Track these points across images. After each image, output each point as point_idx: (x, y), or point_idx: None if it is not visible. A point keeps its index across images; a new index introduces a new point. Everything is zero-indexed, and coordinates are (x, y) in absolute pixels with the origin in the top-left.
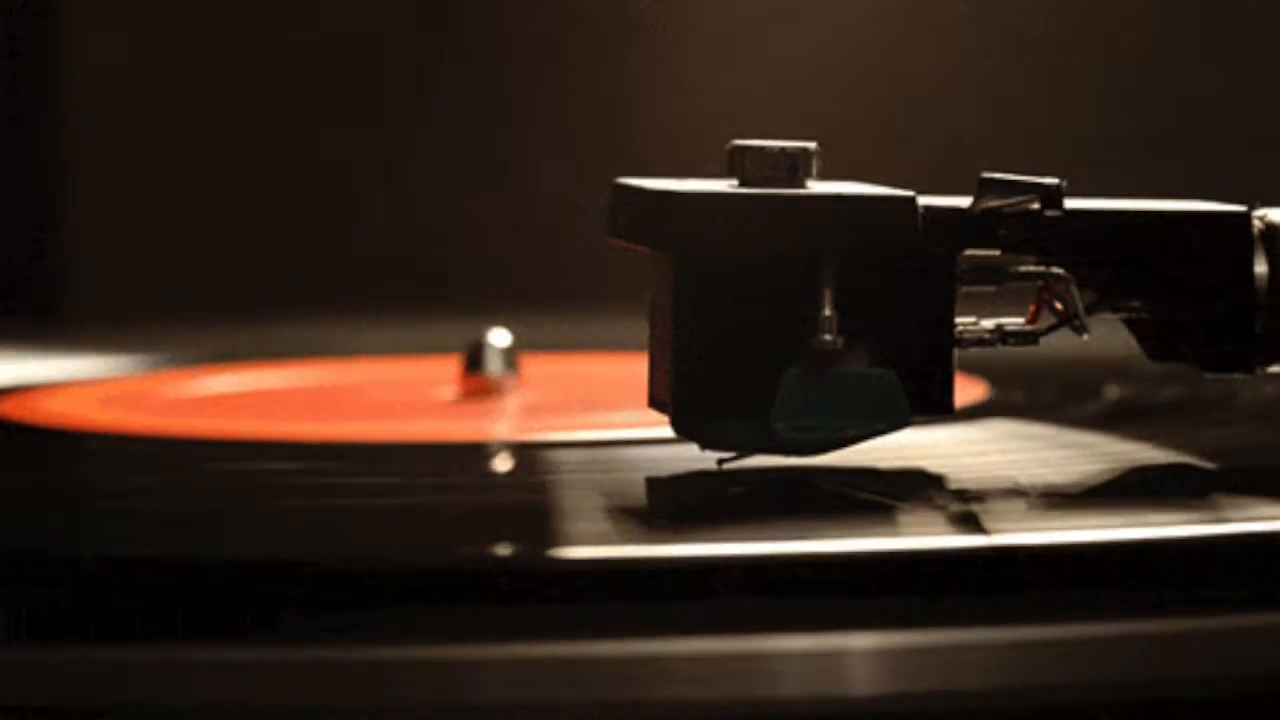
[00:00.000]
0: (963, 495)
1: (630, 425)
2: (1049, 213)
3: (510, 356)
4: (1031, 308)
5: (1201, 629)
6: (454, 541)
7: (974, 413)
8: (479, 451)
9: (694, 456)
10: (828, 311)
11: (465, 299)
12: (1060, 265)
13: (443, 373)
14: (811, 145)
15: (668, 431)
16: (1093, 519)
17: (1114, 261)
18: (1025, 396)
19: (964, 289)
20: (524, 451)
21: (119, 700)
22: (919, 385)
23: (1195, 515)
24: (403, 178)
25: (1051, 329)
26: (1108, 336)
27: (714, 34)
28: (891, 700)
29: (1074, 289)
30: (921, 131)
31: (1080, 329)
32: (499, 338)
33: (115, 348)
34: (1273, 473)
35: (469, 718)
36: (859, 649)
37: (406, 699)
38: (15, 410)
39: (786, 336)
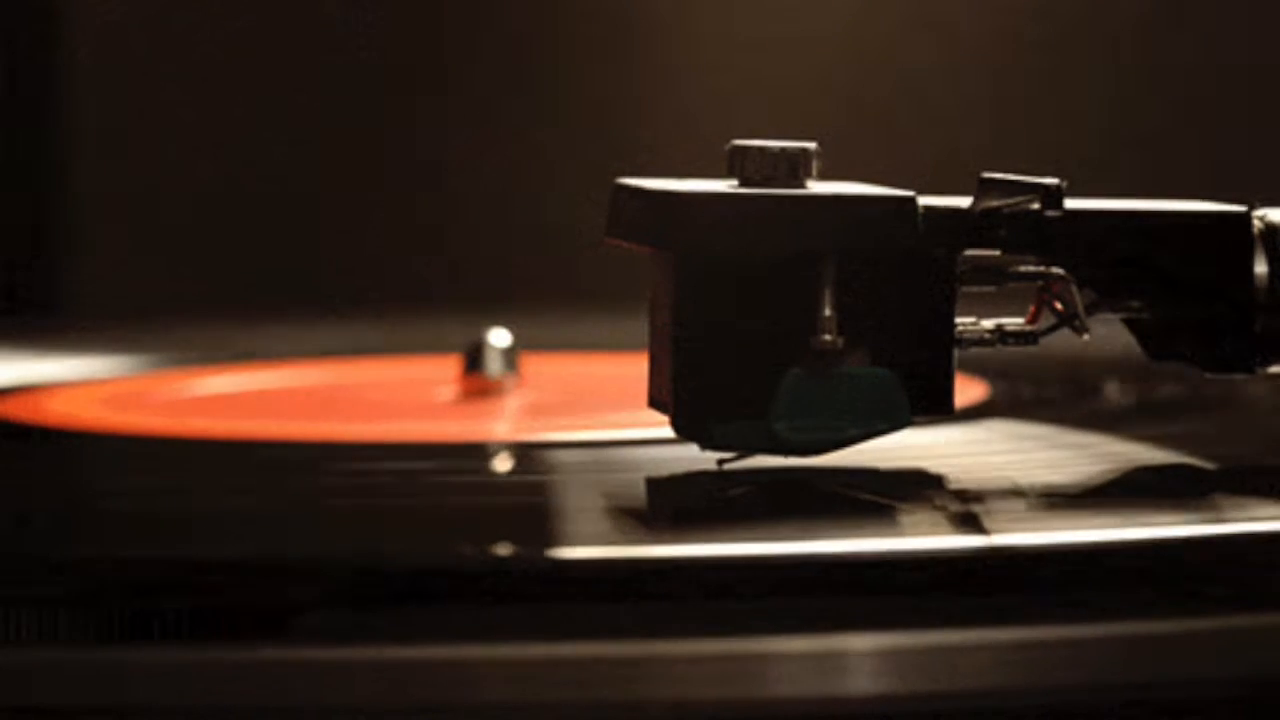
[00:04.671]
0: (963, 496)
1: (630, 425)
2: (1049, 213)
3: (510, 356)
4: (1031, 308)
5: (1201, 629)
6: (454, 541)
7: (974, 413)
8: (479, 451)
9: (694, 457)
10: (828, 311)
11: (465, 299)
12: (1060, 265)
13: (443, 373)
14: (812, 145)
15: (668, 432)
16: (1092, 519)
17: (1114, 261)
18: (1025, 397)
19: (964, 289)
20: (524, 451)
21: (119, 700)
22: (919, 385)
23: (1195, 515)
24: (403, 178)
25: (1051, 329)
26: (1108, 336)
27: (714, 34)
28: (891, 700)
29: (1074, 289)
30: (921, 132)
31: (1080, 329)
32: (499, 338)
33: (115, 348)
34: (1273, 473)
35: (469, 717)
36: (859, 649)
37: (406, 699)
38: (17, 410)
39: (787, 336)
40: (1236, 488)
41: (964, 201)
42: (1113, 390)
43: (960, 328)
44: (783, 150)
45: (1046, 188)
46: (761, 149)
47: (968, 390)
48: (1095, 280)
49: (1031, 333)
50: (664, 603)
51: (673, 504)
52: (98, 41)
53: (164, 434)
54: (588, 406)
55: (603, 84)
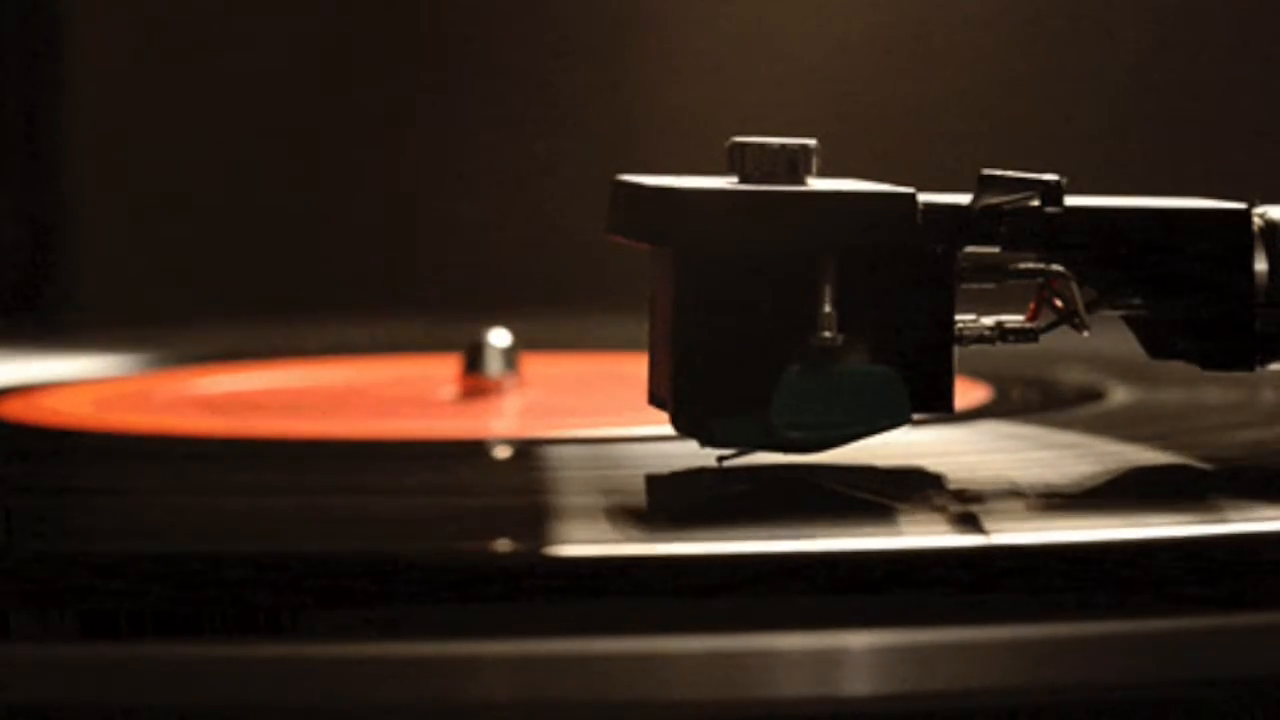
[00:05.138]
0: (962, 494)
1: (630, 423)
2: (1049, 210)
3: (510, 356)
4: (1032, 305)
5: (1200, 629)
6: (454, 540)
7: (974, 411)
8: (479, 451)
9: (694, 454)
10: (828, 308)
11: (465, 299)
12: (1060, 262)
13: (443, 373)
14: (811, 142)
15: (668, 429)
16: (1091, 519)
17: (1114, 259)
18: (1025, 395)
19: (964, 286)
20: (524, 450)
21: (119, 700)
22: (919, 383)
23: (1194, 515)
24: (402, 178)
25: (1052, 326)
26: (1108, 334)
27: (715, 33)
28: (890, 699)
29: (1074, 286)
30: (922, 129)
31: (1080, 326)
32: (499, 338)
33: (115, 348)
34: (1271, 473)
35: (469, 716)
36: (857, 647)
37: (407, 697)
38: (15, 410)
39: (787, 333)
40: (1236, 488)
41: (964, 198)
42: (1112, 389)
43: (960, 325)
44: (783, 147)
45: (1047, 184)
46: (761, 146)
47: (968, 389)
48: (1095, 277)
49: (1032, 330)
50: (663, 600)
51: (673, 501)
52: (98, 41)
53: (164, 434)
54: (588, 406)
55: (603, 83)
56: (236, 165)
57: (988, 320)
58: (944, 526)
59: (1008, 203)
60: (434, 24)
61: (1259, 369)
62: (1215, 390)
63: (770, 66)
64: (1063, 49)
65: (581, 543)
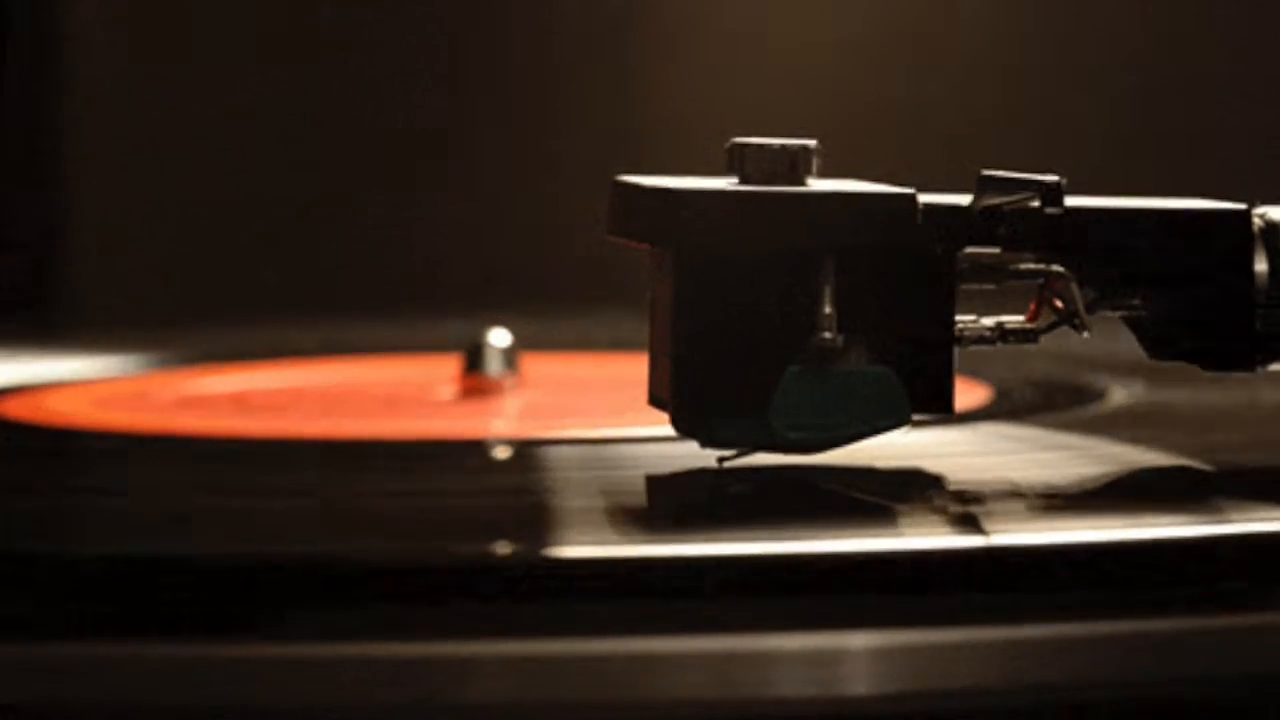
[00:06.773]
0: (962, 495)
1: (630, 423)
2: (1049, 210)
3: (510, 356)
4: (1032, 306)
5: (1200, 629)
6: (453, 541)
7: (974, 412)
8: (479, 451)
9: (694, 454)
10: (828, 309)
11: (465, 299)
12: (1060, 263)
13: (443, 373)
14: (811, 143)
15: (668, 429)
16: (1091, 519)
17: (1114, 259)
18: (1025, 396)
19: (964, 287)
20: (524, 451)
21: (119, 700)
22: (919, 384)
23: (1194, 516)
24: (403, 177)
25: (1052, 327)
26: (1108, 335)
27: (714, 33)
28: (889, 700)
29: (1074, 287)
30: (922, 130)
31: (1080, 327)
32: (499, 338)
33: (115, 348)
34: (1272, 473)
35: (468, 716)
36: (857, 649)
37: (406, 698)
38: (16, 410)
39: (786, 334)
40: (1236, 488)
41: (964, 199)
42: (1113, 390)
43: (960, 326)
44: (783, 147)
45: (1046, 185)
46: (761, 146)
47: (967, 390)
48: (1095, 278)
49: (1032, 331)
50: (663, 601)
51: (673, 502)
52: (98, 43)
53: (164, 434)
54: (588, 406)
55: (602, 83)
56: (236, 165)
57: (988, 321)
58: (944, 528)
59: (1008, 203)
60: (434, 24)
61: (1259, 369)
62: (1215, 391)
63: (770, 66)
64: (1062, 49)
65: (581, 544)
